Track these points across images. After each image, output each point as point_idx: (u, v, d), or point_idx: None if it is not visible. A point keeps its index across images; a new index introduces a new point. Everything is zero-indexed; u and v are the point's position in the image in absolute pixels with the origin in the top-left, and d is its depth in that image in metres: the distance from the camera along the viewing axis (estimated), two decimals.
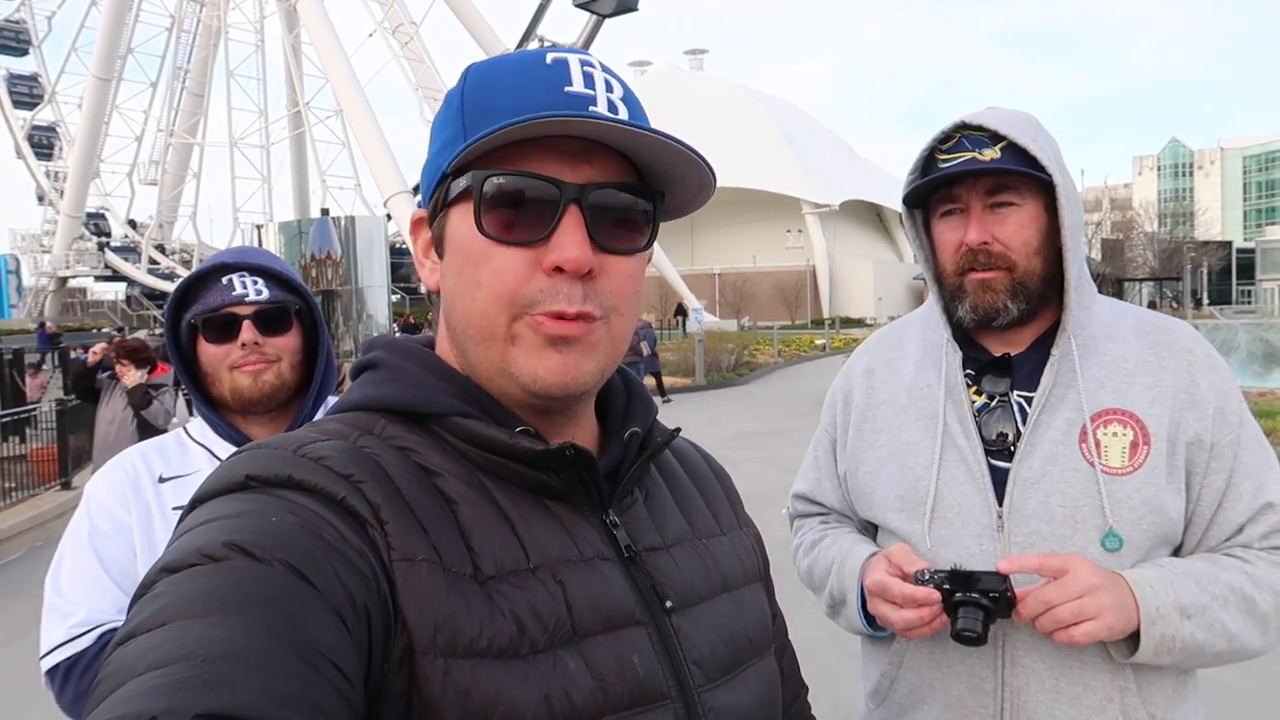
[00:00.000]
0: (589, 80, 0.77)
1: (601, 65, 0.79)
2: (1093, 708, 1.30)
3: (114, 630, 1.43)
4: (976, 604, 1.22)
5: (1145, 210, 75.88)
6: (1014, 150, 1.36)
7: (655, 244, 0.82)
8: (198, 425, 1.70)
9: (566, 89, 0.75)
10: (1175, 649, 1.26)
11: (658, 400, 17.45)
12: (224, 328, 1.63)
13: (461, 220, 0.77)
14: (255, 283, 1.66)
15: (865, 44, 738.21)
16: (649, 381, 17.09)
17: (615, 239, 0.76)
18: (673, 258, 48.25)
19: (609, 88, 0.77)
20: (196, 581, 0.59)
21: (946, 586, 1.25)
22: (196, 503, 0.70)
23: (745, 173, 58.11)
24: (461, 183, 0.76)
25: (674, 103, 62.58)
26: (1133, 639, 1.26)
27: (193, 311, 1.66)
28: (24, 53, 55.27)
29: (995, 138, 1.37)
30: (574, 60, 0.77)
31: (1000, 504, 1.36)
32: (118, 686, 0.53)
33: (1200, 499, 1.34)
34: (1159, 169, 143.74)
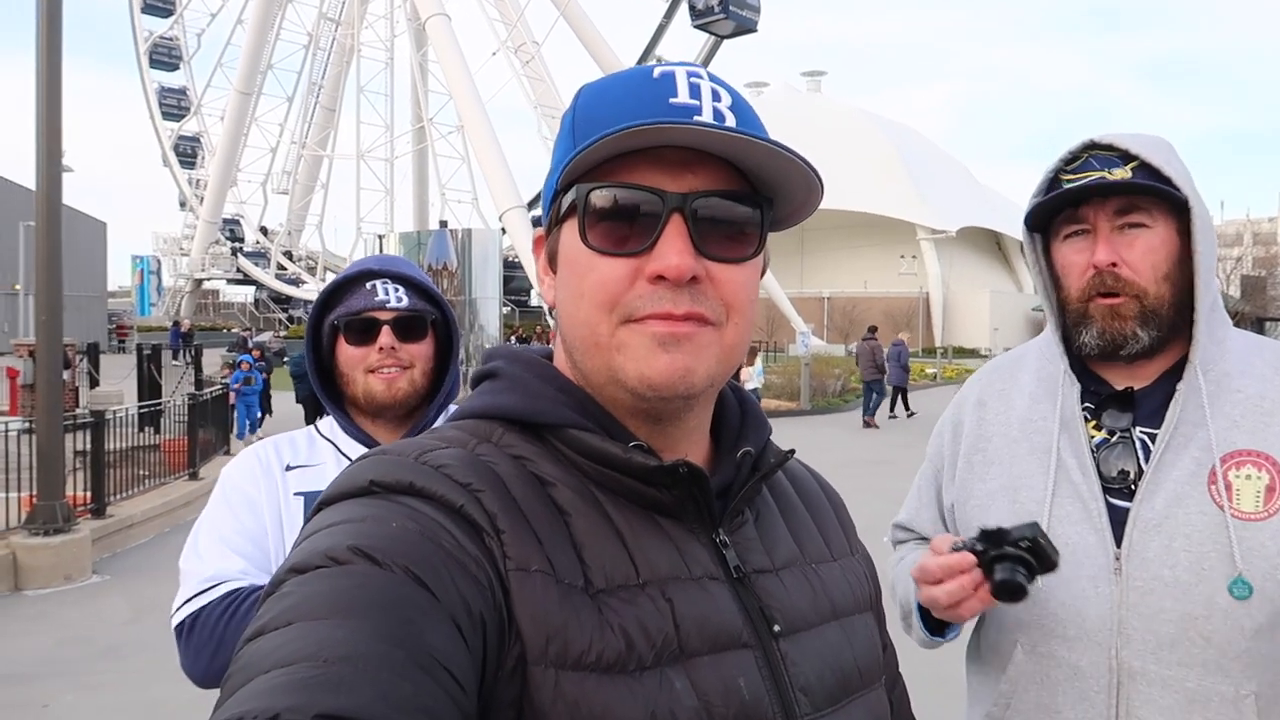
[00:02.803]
0: (694, 90, 0.76)
1: (711, 76, 0.78)
2: None
3: (238, 590, 1.51)
4: (1009, 556, 1.16)
5: None
6: (1145, 171, 1.29)
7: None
8: (327, 423, 1.78)
9: (671, 100, 0.75)
10: None
11: (902, 414, 18.42)
12: (364, 331, 1.70)
13: (570, 234, 0.78)
14: (397, 290, 1.73)
15: (992, 71, 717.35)
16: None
17: (722, 247, 0.76)
18: (781, 280, 47.86)
19: (716, 97, 0.76)
20: (321, 583, 0.61)
21: (979, 548, 1.19)
22: (323, 505, 0.72)
23: (859, 196, 57.26)
24: (569, 197, 0.77)
25: (790, 124, 62.23)
26: None
27: (336, 313, 1.74)
28: (175, 68, 58.95)
29: (1126, 157, 1.31)
30: (680, 72, 0.77)
31: (1119, 545, 1.29)
32: (246, 682, 0.55)
33: None
34: None
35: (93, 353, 19.14)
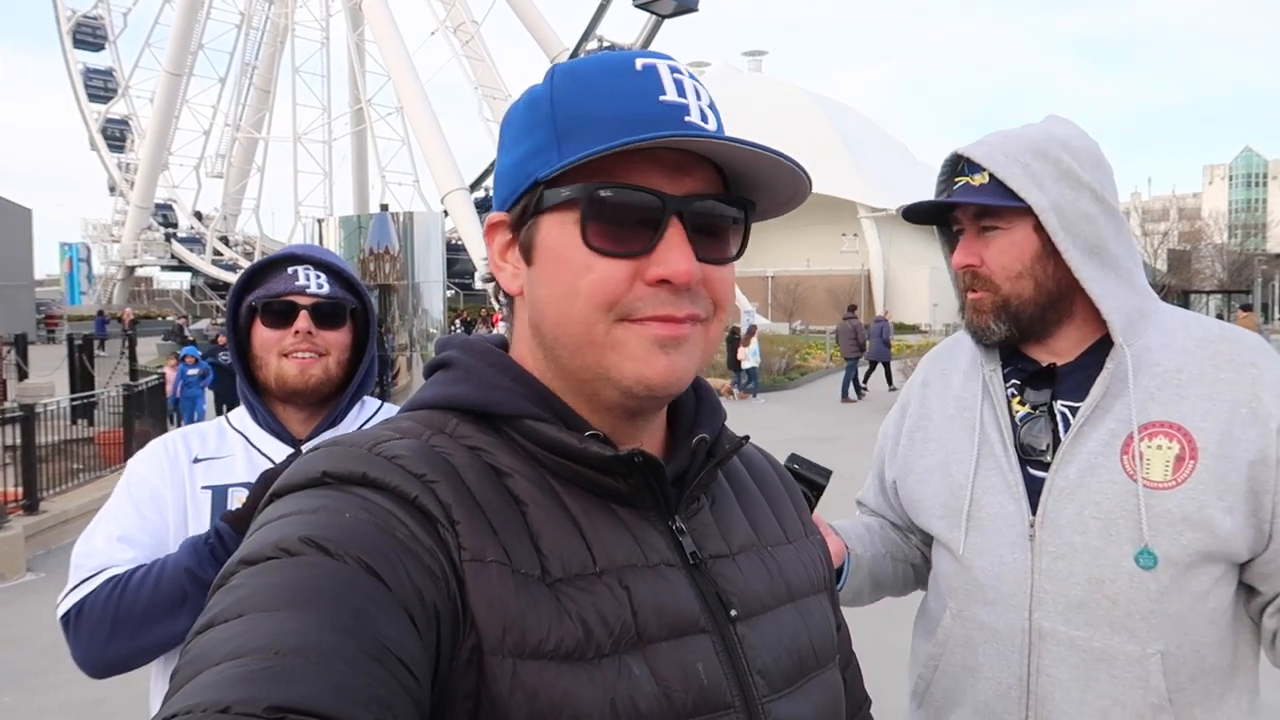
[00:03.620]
0: (680, 88, 0.76)
1: (687, 71, 0.78)
2: None
3: (119, 575, 1.47)
4: None
5: (1215, 221, 73.78)
6: (995, 180, 1.38)
7: None
8: (238, 414, 1.75)
9: (661, 98, 0.75)
10: None
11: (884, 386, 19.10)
12: (282, 314, 1.68)
13: (558, 229, 0.76)
14: (318, 276, 1.71)
15: (930, 50, 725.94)
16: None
17: (712, 249, 0.77)
18: None
19: (698, 95, 0.77)
20: (272, 575, 0.61)
21: None
22: (275, 496, 0.71)
23: None
24: (562, 193, 0.75)
25: (731, 104, 62.26)
26: None
27: (255, 294, 1.71)
28: (100, 48, 56.95)
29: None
30: (663, 66, 0.77)
31: (1035, 513, 1.36)
32: (195, 674, 0.55)
33: (1276, 516, 1.29)
34: (1230, 178, 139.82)
35: (21, 344, 18.51)
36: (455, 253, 38.69)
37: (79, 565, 1.52)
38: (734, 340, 19.15)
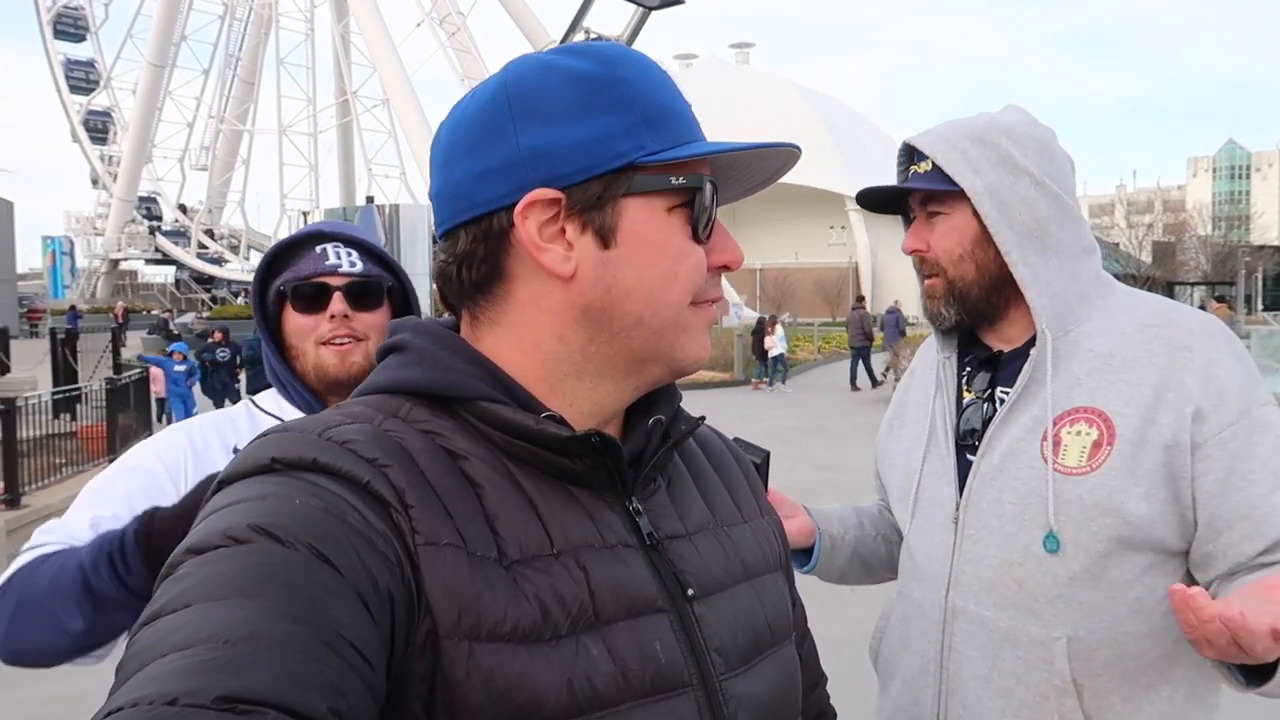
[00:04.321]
0: None
1: None
2: (1024, 702, 1.30)
3: (58, 551, 1.33)
4: None
5: (1199, 213, 74.25)
6: (937, 167, 1.40)
7: None
8: (270, 398, 1.60)
9: (685, 99, 0.81)
10: None
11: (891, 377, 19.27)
12: (314, 297, 1.53)
13: (647, 213, 0.77)
14: (350, 254, 1.57)
15: (914, 43, 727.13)
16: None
17: None
18: None
19: None
20: (221, 563, 0.60)
21: None
22: (222, 484, 0.70)
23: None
24: (669, 180, 0.77)
25: (719, 97, 62.29)
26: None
27: (283, 278, 1.56)
28: (82, 39, 56.51)
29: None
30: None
31: (961, 496, 1.40)
32: (142, 667, 0.54)
33: (1197, 504, 1.25)
34: (1214, 171, 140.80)
35: (2, 338, 18.38)
36: None
37: (31, 542, 1.39)
38: (760, 330, 19.59)
